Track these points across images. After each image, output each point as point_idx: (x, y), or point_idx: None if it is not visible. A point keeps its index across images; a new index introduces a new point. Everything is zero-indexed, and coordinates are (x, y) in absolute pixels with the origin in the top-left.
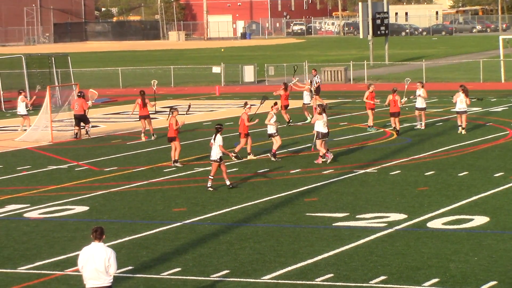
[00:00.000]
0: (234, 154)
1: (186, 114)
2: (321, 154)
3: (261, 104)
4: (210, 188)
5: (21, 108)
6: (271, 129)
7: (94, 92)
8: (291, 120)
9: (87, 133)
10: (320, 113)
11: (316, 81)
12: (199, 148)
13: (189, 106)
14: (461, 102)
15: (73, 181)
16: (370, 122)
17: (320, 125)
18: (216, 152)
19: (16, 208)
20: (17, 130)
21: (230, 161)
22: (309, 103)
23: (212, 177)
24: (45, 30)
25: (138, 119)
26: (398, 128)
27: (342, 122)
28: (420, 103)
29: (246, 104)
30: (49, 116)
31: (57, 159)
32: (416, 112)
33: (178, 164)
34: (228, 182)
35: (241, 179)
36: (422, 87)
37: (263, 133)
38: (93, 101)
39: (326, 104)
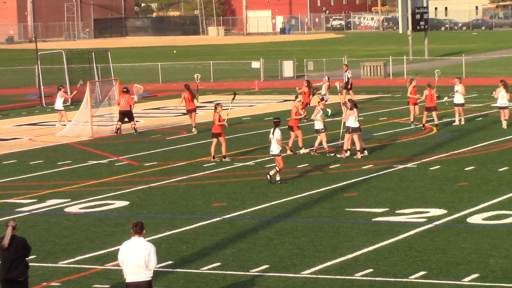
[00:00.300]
0: (304, 148)
1: (231, 103)
2: (356, 148)
3: (311, 98)
4: (278, 182)
5: (58, 103)
6: (318, 125)
7: (139, 87)
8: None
9: (135, 131)
10: (351, 108)
11: (347, 76)
12: (238, 143)
13: (235, 94)
14: (502, 97)
15: (113, 176)
16: (412, 117)
17: (352, 120)
18: (276, 146)
19: (57, 202)
20: (55, 125)
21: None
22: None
23: (279, 170)
24: (85, 25)
25: (186, 113)
26: (437, 123)
27: (381, 117)
28: (458, 99)
29: (296, 97)
30: (90, 111)
31: (97, 154)
32: (456, 108)
33: (227, 159)
34: (278, 178)
35: (281, 174)
36: (460, 82)
37: (307, 128)
38: (139, 96)
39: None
